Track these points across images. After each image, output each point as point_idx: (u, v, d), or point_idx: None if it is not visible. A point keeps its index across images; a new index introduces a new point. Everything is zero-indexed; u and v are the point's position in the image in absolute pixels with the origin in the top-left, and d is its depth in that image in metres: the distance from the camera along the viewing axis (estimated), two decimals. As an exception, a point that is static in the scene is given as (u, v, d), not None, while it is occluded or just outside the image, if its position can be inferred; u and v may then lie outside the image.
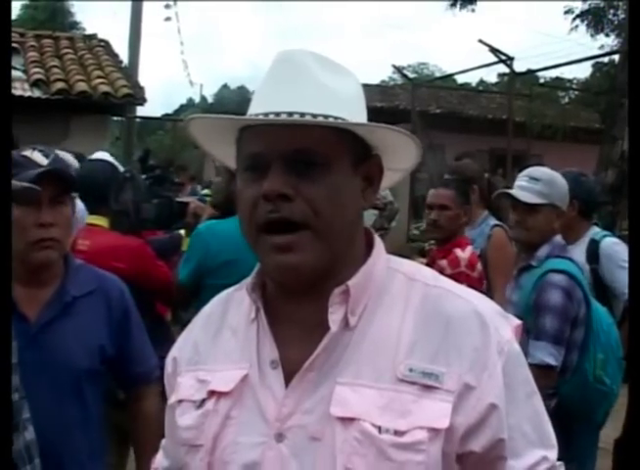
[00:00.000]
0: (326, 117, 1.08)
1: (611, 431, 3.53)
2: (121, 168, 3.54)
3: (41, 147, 2.13)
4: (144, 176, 3.85)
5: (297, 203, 1.07)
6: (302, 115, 1.07)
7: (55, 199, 2.06)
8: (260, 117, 1.09)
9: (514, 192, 3.10)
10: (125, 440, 3.05)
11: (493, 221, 4.26)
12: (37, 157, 2.06)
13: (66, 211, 2.11)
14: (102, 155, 3.67)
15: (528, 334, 2.93)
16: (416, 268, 1.20)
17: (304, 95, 1.09)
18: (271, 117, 1.08)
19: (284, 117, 1.07)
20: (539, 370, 2.86)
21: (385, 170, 1.19)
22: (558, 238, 3.14)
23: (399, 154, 1.18)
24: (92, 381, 2.16)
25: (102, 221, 3.25)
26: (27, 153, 2.07)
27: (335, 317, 1.10)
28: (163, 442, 1.35)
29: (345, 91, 1.13)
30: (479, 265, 3.75)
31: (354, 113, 1.12)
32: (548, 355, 2.88)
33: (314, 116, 1.08)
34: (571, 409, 2.93)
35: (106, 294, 2.22)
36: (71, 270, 2.18)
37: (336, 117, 1.09)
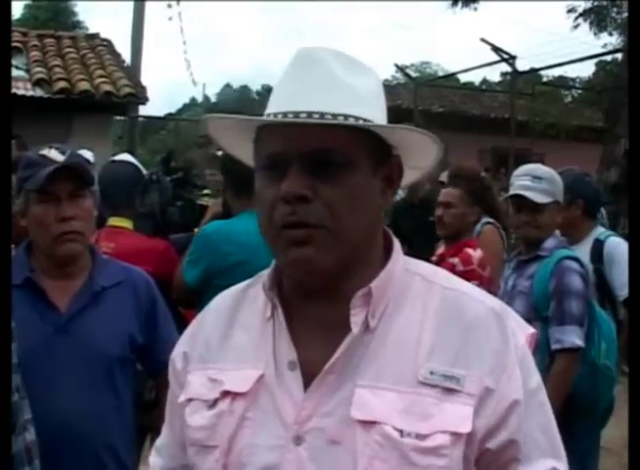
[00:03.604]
0: (346, 117, 1.06)
1: (613, 430, 3.53)
2: (144, 170, 3.55)
3: (57, 145, 2.19)
4: (167, 179, 3.84)
5: (316, 205, 1.05)
6: (322, 115, 1.05)
7: (73, 193, 2.13)
8: (279, 116, 1.07)
9: (526, 193, 3.12)
10: (142, 439, 3.04)
11: (485, 219, 4.31)
12: (54, 154, 2.13)
13: (86, 204, 2.17)
14: (125, 156, 3.67)
15: (547, 320, 2.98)
16: (432, 270, 1.19)
17: (324, 94, 1.06)
18: (290, 116, 1.06)
19: (303, 116, 1.05)
20: (572, 354, 2.97)
21: (406, 169, 1.17)
22: (557, 232, 3.26)
23: (420, 153, 1.16)
24: (123, 369, 2.21)
25: (126, 223, 3.24)
26: (45, 151, 2.14)
27: (356, 319, 1.08)
28: (158, 442, 1.32)
29: (366, 89, 1.10)
30: (489, 267, 3.77)
31: (374, 112, 1.10)
32: (578, 338, 2.96)
33: (334, 115, 1.05)
34: (580, 399, 2.96)
35: (133, 285, 2.28)
36: (99, 262, 2.25)
37: (356, 117, 1.06)
